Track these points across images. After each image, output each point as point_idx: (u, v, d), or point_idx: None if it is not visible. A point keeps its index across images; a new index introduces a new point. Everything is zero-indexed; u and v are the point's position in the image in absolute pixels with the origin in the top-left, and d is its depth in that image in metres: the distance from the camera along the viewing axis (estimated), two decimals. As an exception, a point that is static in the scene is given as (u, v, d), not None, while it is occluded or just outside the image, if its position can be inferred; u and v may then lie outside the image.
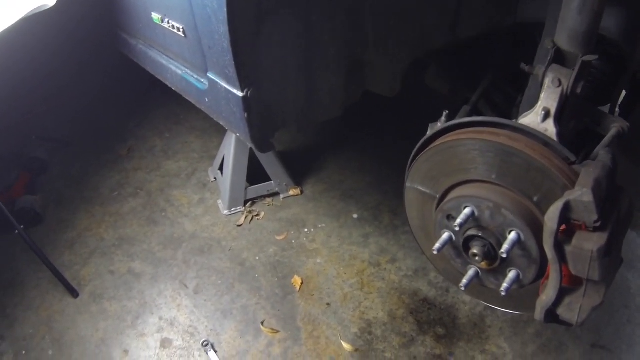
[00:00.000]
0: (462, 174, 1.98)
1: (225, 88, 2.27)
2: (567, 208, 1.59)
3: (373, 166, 4.13)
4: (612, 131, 2.06)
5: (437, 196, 2.11)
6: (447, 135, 2.01)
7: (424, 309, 3.13)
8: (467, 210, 1.91)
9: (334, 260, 3.41)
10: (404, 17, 2.50)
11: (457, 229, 1.91)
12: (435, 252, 2.01)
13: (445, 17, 2.66)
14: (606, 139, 2.00)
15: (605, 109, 2.20)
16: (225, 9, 1.89)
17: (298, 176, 3.97)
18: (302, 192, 3.88)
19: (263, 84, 2.22)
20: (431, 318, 3.08)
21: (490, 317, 3.10)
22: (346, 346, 2.93)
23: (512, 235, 1.84)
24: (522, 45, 2.41)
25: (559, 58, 1.87)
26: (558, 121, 1.86)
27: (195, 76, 2.59)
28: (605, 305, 3.33)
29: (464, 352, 2.95)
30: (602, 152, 1.82)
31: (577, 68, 1.81)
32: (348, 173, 4.08)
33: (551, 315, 1.88)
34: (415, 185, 2.20)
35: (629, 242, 3.83)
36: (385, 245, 3.50)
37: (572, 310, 1.82)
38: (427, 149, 2.07)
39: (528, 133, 1.83)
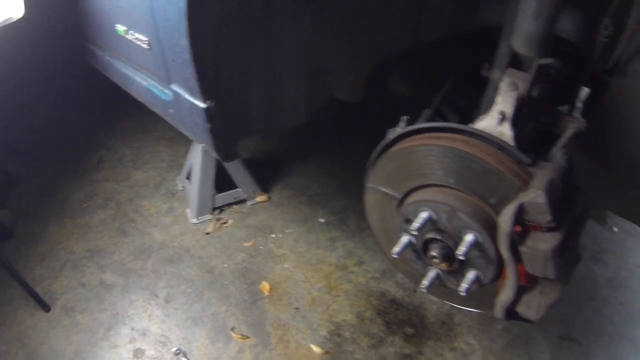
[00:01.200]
0: (419, 179, 2.02)
1: (188, 100, 2.28)
2: (520, 210, 1.63)
3: (339, 171, 4.17)
4: (569, 131, 2.11)
5: (397, 199, 2.15)
6: (405, 140, 2.05)
7: (392, 309, 3.18)
8: (424, 215, 1.95)
9: (302, 264, 3.44)
10: (365, 23, 2.54)
11: (414, 233, 1.96)
12: (395, 256, 2.05)
13: (407, 22, 2.70)
14: (563, 139, 2.05)
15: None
16: (186, 23, 1.92)
17: (265, 182, 3.99)
18: (269, 198, 3.91)
19: (225, 95, 2.24)
20: (399, 318, 3.13)
21: (459, 315, 3.15)
22: (316, 349, 2.97)
23: (468, 238, 1.88)
24: (486, 49, 2.47)
25: (516, 62, 1.92)
26: (514, 124, 1.91)
27: (160, 88, 2.60)
28: (573, 298, 3.42)
29: (433, 351, 2.99)
30: (557, 153, 1.86)
31: (533, 71, 1.86)
32: (314, 178, 4.12)
33: (511, 313, 1.92)
34: (376, 187, 2.25)
35: (594, 236, 3.91)
36: (352, 248, 3.55)
37: (531, 307, 1.87)
38: (386, 153, 2.11)
39: (483, 137, 1.87)
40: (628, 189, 2.24)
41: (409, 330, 3.08)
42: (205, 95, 2.17)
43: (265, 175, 4.06)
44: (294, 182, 4.09)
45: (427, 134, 1.99)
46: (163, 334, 3.05)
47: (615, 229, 4.01)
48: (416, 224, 1.94)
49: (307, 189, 4.02)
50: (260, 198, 3.86)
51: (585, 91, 2.29)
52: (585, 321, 3.36)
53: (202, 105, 2.20)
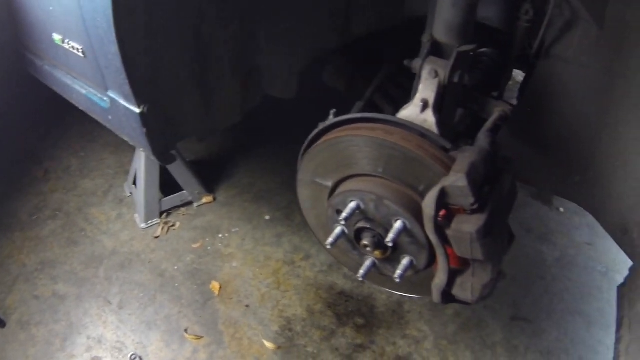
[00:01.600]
0: (346, 170, 2.06)
1: (124, 105, 2.29)
2: (443, 194, 1.66)
3: (281, 167, 4.20)
4: (495, 115, 2.15)
5: (328, 191, 2.18)
6: (330, 132, 2.08)
7: (342, 301, 3.22)
8: (352, 204, 1.98)
9: (250, 262, 3.48)
10: (295, 21, 2.56)
11: (343, 223, 1.98)
12: (328, 247, 2.07)
13: (336, 17, 2.73)
14: (488, 123, 2.09)
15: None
16: (114, 30, 1.93)
17: (210, 183, 4.01)
18: (214, 198, 3.93)
19: (159, 99, 2.25)
20: (349, 310, 3.17)
21: (409, 303, 3.19)
22: (268, 345, 3.00)
23: (397, 225, 1.91)
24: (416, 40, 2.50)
25: (437, 50, 1.95)
26: (438, 111, 1.94)
27: (98, 95, 2.59)
28: (522, 279, 3.49)
29: (385, 339, 3.04)
30: (481, 136, 1.89)
31: (453, 59, 1.90)
32: (258, 176, 4.15)
33: (447, 296, 1.96)
34: (306, 180, 2.27)
35: (541, 217, 3.98)
36: (298, 243, 3.59)
37: (465, 289, 1.90)
38: (313, 146, 2.13)
39: (404, 126, 1.90)
40: (559, 169, 2.28)
41: (360, 321, 3.12)
42: (139, 100, 2.18)
43: (210, 176, 4.08)
44: (238, 181, 4.11)
45: (350, 126, 2.02)
46: (118, 340, 3.05)
47: (561, 210, 4.09)
48: (344, 214, 1.96)
49: (251, 187, 4.05)
50: (206, 199, 3.88)
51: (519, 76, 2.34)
52: (535, 300, 3.42)
53: (136, 110, 2.21)
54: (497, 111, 2.21)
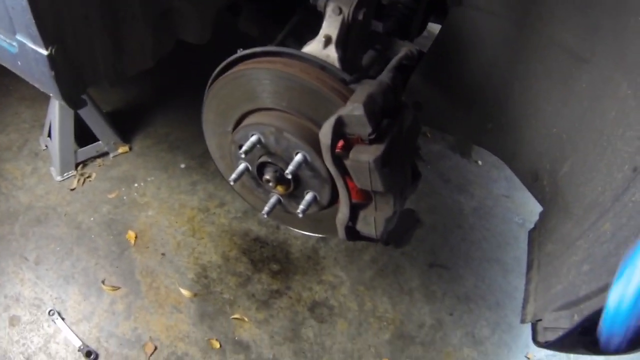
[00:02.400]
0: (247, 104, 2.03)
1: (32, 48, 2.21)
2: (339, 123, 1.65)
3: (198, 116, 4.05)
4: (400, 53, 2.16)
5: (231, 126, 2.16)
6: (232, 68, 2.05)
7: (257, 247, 3.23)
8: (253, 138, 1.96)
9: (165, 210, 3.45)
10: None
11: (242, 156, 1.97)
12: (232, 183, 2.06)
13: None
14: (393, 61, 2.09)
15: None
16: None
17: (126, 133, 3.95)
18: (130, 148, 3.87)
19: (67, 41, 2.20)
20: (264, 256, 3.19)
21: (324, 249, 3.22)
22: (185, 293, 3.00)
23: (297, 157, 1.90)
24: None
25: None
26: (341, 47, 1.94)
27: (7, 40, 2.51)
28: (440, 227, 3.54)
29: (301, 285, 3.05)
30: (384, 72, 1.90)
31: (357, -4, 1.89)
32: (174, 125, 4.10)
33: (352, 232, 1.96)
34: (210, 118, 2.26)
35: (460, 169, 4.04)
36: (212, 190, 3.58)
37: (369, 224, 1.91)
38: (215, 82, 2.11)
39: (303, 58, 1.89)
40: (473, 116, 2.31)
41: (275, 267, 3.14)
42: (46, 42, 2.12)
43: (127, 126, 4.02)
44: (154, 131, 4.06)
45: (251, 60, 1.99)
46: (36, 296, 3.00)
47: (480, 162, 4.16)
48: (245, 147, 1.95)
49: (167, 136, 4.01)
50: (122, 149, 3.82)
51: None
52: (453, 248, 3.49)
53: (44, 52, 2.15)
54: (402, 50, 2.23)
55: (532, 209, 3.64)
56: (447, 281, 3.29)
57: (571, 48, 1.80)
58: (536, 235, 2.04)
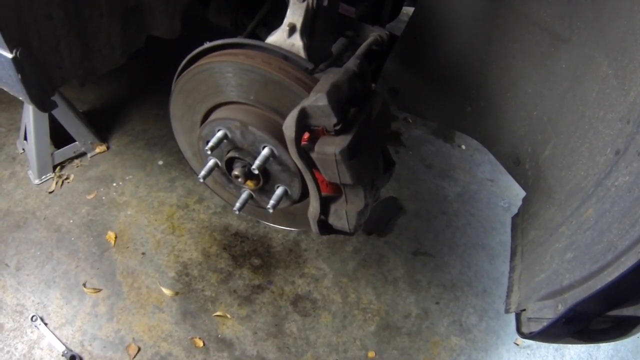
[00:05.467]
0: (212, 98, 2.00)
1: (-3, 53, 2.20)
2: (303, 115, 1.60)
3: (171, 112, 4.08)
4: (369, 39, 2.13)
5: (198, 122, 2.13)
6: (195, 62, 2.02)
7: (237, 242, 3.20)
8: (219, 133, 1.93)
9: (144, 209, 3.42)
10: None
11: (209, 152, 1.94)
12: (201, 180, 2.04)
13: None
14: (362, 47, 2.06)
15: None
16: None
17: (103, 132, 3.90)
18: (108, 147, 3.82)
19: (32, 42, 2.17)
20: (245, 250, 3.16)
21: (305, 242, 3.19)
22: (167, 291, 2.98)
23: (264, 151, 1.87)
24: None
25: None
26: (307, 35, 1.90)
27: (-27, 45, 2.50)
28: (424, 214, 3.51)
29: (283, 278, 3.03)
30: (352, 58, 1.86)
31: (322, -17, 1.86)
32: (151, 122, 4.06)
33: (325, 226, 1.93)
34: (177, 114, 2.23)
35: (443, 154, 4.02)
36: (191, 186, 3.54)
37: (340, 217, 1.88)
38: (180, 78, 2.08)
39: (265, 49, 1.86)
40: (452, 100, 2.28)
41: (256, 262, 3.11)
42: (10, 44, 2.09)
43: (103, 125, 3.97)
44: (131, 129, 4.01)
45: (214, 53, 1.96)
46: (19, 302, 2.97)
47: (463, 147, 4.13)
48: (211, 142, 1.92)
49: (144, 134, 3.96)
50: (100, 148, 3.77)
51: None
52: (437, 235, 3.46)
53: (9, 55, 2.12)
54: (371, 36, 2.19)
55: (518, 192, 3.61)
56: (432, 269, 3.27)
57: (549, 27, 1.78)
58: (519, 222, 2.02)
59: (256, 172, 1.87)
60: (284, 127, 1.61)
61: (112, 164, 3.71)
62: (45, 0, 2.18)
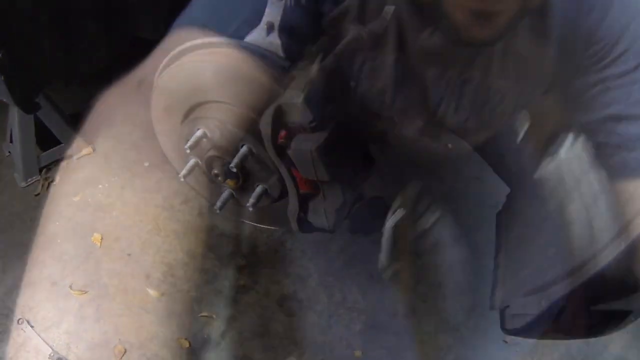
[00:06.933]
0: (191, 98, 2.01)
1: (-20, 54, 2.20)
2: (279, 112, 1.63)
3: (161, 112, 4.08)
4: (348, 37, 2.14)
5: (178, 122, 2.13)
6: (173, 63, 2.03)
7: (222, 243, 3.22)
8: (198, 132, 1.95)
9: (130, 210, 3.40)
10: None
11: (188, 151, 1.96)
12: (182, 179, 2.05)
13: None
14: (342, 44, 2.07)
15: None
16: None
17: (89, 134, 3.80)
18: (94, 149, 3.77)
19: (15, 44, 2.18)
20: (230, 251, 3.17)
21: (290, 241, 3.20)
22: (152, 293, 2.97)
23: (241, 150, 1.89)
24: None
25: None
26: (286, 34, 1.91)
27: (-45, 48, 2.50)
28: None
29: (269, 278, 3.04)
30: (330, 55, 1.87)
31: (300, -21, 1.86)
32: (137, 122, 3.91)
33: (305, 224, 1.95)
34: (158, 113, 2.24)
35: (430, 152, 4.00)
36: (177, 187, 3.51)
37: (319, 215, 1.90)
38: (159, 78, 2.09)
39: (243, 48, 1.87)
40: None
41: (242, 262, 3.13)
42: (-7, 46, 2.11)
43: (89, 126, 3.79)
44: (117, 130, 3.94)
45: (191, 53, 1.96)
46: (5, 306, 2.98)
47: (450, 145, 4.12)
48: (190, 142, 1.94)
49: (130, 135, 3.89)
50: (86, 150, 3.73)
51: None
52: (423, 234, 3.46)
53: (-9, 56, 2.14)
54: (351, 34, 2.20)
55: (505, 190, 3.61)
56: (418, 267, 3.28)
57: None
58: (503, 218, 2.04)
59: (234, 170, 1.88)
60: (260, 125, 1.65)
61: (98, 165, 3.68)
62: (28, 1, 2.19)
